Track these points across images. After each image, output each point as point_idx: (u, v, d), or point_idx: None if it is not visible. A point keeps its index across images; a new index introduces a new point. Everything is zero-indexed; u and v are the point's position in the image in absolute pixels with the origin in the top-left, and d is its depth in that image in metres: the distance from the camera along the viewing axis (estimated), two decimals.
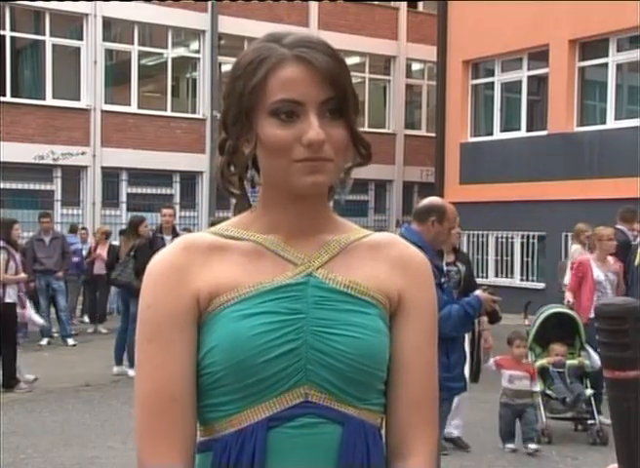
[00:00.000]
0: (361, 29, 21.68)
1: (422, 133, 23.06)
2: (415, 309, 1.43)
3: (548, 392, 6.88)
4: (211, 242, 1.41)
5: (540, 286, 16.27)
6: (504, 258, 17.40)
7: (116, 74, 19.84)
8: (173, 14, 19.45)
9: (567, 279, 8.95)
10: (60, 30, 18.95)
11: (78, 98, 18.93)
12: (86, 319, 14.64)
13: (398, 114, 22.99)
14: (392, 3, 22.77)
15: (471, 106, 18.63)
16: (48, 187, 18.69)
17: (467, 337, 5.77)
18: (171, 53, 20.31)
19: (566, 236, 15.66)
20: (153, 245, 8.88)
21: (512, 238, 17.30)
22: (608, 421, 7.18)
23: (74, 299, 14.35)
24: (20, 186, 18.02)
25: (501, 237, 17.37)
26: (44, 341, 11.93)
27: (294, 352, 1.33)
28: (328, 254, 1.41)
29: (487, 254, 17.62)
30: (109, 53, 19.83)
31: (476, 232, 17.25)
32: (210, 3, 19.86)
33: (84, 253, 14.33)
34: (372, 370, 1.36)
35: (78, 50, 19.10)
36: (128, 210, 18.80)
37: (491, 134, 18.15)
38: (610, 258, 7.96)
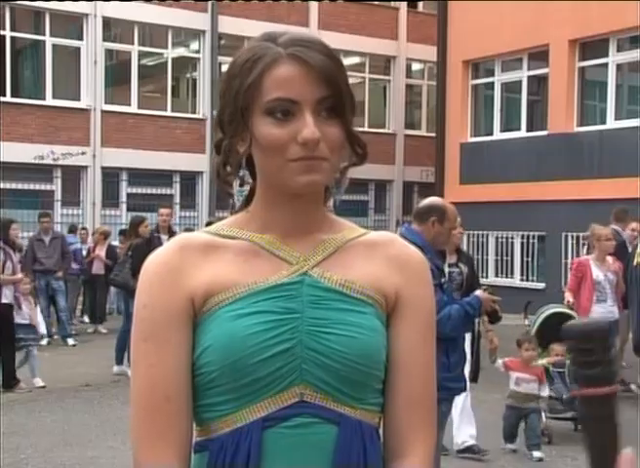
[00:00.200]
0: (361, 29, 21.68)
1: (422, 133, 23.06)
2: (412, 308, 1.42)
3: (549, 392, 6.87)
4: (206, 241, 1.41)
5: (540, 286, 16.28)
6: (504, 258, 17.40)
7: (116, 74, 19.84)
8: (173, 14, 19.45)
9: None
10: (60, 30, 18.96)
11: (78, 98, 18.93)
12: (86, 319, 14.64)
13: (398, 114, 22.99)
14: (392, 3, 22.77)
15: (471, 106, 18.63)
16: (48, 187, 18.69)
17: (468, 337, 5.77)
18: (171, 53, 20.32)
19: (566, 236, 15.67)
20: (151, 244, 8.89)
21: (512, 238, 17.30)
22: None
23: (74, 299, 14.35)
24: (20, 186, 18.02)
25: (501, 237, 17.37)
26: (44, 341, 11.91)
27: (289, 352, 1.32)
28: (323, 253, 1.41)
29: (487, 254, 17.62)
30: (109, 53, 19.83)
31: (476, 232, 17.25)
32: (210, 3, 19.87)
33: (83, 253, 14.34)
34: (368, 370, 1.35)
35: (78, 50, 19.10)
36: (128, 210, 18.81)
37: (491, 134, 18.15)
38: (609, 258, 7.96)
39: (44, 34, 18.77)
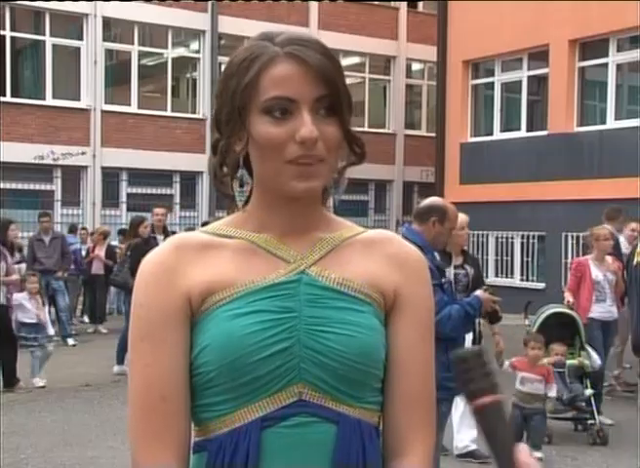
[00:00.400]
0: (361, 29, 21.69)
1: (422, 133, 23.06)
2: (411, 306, 1.42)
3: None
4: (202, 240, 1.40)
5: (540, 286, 16.28)
6: (504, 258, 17.40)
7: (116, 74, 19.84)
8: (173, 14, 19.45)
9: None
10: (60, 30, 18.96)
11: (78, 98, 18.94)
12: (86, 319, 14.64)
13: (398, 114, 22.99)
14: (392, 3, 22.77)
15: (471, 106, 18.63)
16: (48, 187, 18.69)
17: (468, 338, 5.77)
18: (171, 53, 20.32)
19: (566, 236, 15.67)
20: (148, 245, 8.91)
21: (512, 238, 17.30)
22: (608, 421, 7.21)
23: (74, 299, 14.36)
24: (20, 186, 18.02)
25: (501, 237, 17.37)
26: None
27: (287, 351, 1.32)
28: (321, 252, 1.40)
29: (487, 254, 17.61)
30: (109, 53, 19.83)
31: (476, 232, 17.24)
32: (210, 3, 19.87)
33: (83, 253, 14.34)
34: (366, 369, 1.35)
35: (78, 50, 19.10)
36: (128, 210, 18.81)
37: (491, 134, 18.14)
38: (608, 258, 7.96)
39: (44, 34, 18.77)
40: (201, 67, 20.37)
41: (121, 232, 15.33)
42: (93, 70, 18.90)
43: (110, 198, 19.22)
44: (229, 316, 1.33)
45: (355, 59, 22.01)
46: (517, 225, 16.73)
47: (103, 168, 18.93)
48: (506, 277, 17.18)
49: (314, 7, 21.29)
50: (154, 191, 19.50)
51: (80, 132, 18.69)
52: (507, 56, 17.61)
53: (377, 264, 1.42)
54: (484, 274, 17.13)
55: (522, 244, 17.17)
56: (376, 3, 22.56)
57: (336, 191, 1.46)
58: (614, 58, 15.73)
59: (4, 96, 17.93)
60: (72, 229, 15.67)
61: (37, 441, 6.84)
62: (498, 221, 16.75)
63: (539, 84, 17.72)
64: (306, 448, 1.32)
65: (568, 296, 7.82)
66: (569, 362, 7.02)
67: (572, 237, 15.41)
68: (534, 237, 16.89)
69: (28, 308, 9.03)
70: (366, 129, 20.90)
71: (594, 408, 6.90)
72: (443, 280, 4.68)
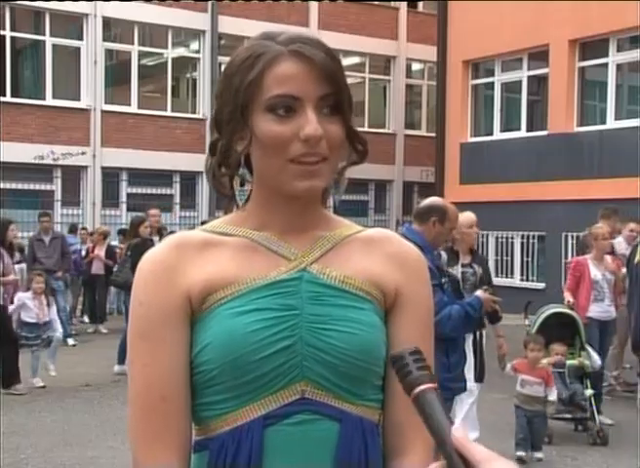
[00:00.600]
0: (361, 29, 21.69)
1: (422, 133, 23.06)
2: (412, 305, 1.43)
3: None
4: (203, 239, 1.40)
5: (540, 286, 16.27)
6: (504, 258, 17.39)
7: (116, 74, 19.84)
8: (173, 14, 19.46)
9: None
10: (60, 30, 18.96)
11: (78, 98, 18.94)
12: (86, 319, 14.64)
13: (398, 114, 22.99)
14: (392, 3, 22.77)
15: (471, 106, 18.63)
16: (48, 187, 18.69)
17: (469, 338, 5.77)
18: (171, 53, 20.32)
19: (566, 236, 15.67)
20: (145, 245, 8.93)
21: (512, 238, 17.30)
22: (608, 421, 7.20)
23: (74, 299, 14.35)
24: (20, 186, 18.02)
25: (501, 237, 17.37)
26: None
27: (289, 349, 1.32)
28: (321, 250, 1.40)
29: (487, 255, 17.60)
30: (109, 53, 19.83)
31: None
32: (210, 3, 19.87)
33: (83, 253, 14.34)
34: (368, 366, 1.35)
35: (78, 50, 19.10)
36: (128, 210, 18.82)
37: (491, 134, 18.14)
38: (608, 257, 7.96)
39: (44, 34, 18.77)
40: (201, 67, 20.37)
41: (121, 232, 15.33)
42: (93, 70, 18.90)
43: (110, 198, 19.22)
44: (231, 314, 1.33)
45: (355, 59, 22.01)
46: (517, 225, 16.73)
47: (103, 168, 18.93)
48: (506, 277, 17.18)
49: (314, 7, 21.29)
50: (154, 191, 19.50)
51: (80, 132, 18.69)
52: (507, 56, 17.61)
53: (377, 263, 1.42)
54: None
55: (522, 244, 17.17)
56: (376, 3, 22.56)
57: (336, 191, 1.46)
58: (614, 58, 15.72)
59: (4, 96, 17.93)
60: (72, 229, 15.67)
61: (37, 441, 6.84)
62: (498, 221, 16.75)
63: (539, 84, 17.71)
64: (309, 446, 1.32)
65: (567, 296, 7.82)
66: (569, 362, 7.00)
67: (572, 237, 15.40)
68: (534, 237, 16.89)
69: (31, 308, 9.02)
70: (366, 129, 20.89)
71: (594, 408, 6.89)
72: (443, 280, 4.68)
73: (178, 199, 20.03)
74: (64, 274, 12.63)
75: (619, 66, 15.85)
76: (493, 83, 18.25)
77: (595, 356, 7.13)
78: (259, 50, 1.34)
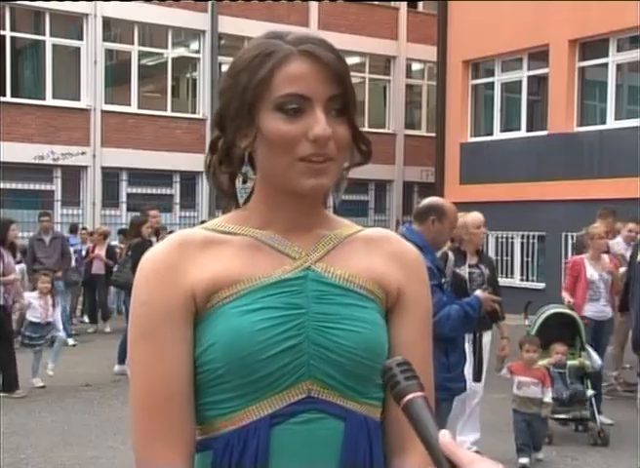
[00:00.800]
0: (361, 29, 21.69)
1: (422, 133, 23.06)
2: (413, 305, 1.43)
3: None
4: (205, 237, 1.39)
5: (540, 286, 16.28)
6: (504, 258, 17.39)
7: (116, 74, 19.84)
8: (173, 14, 19.46)
9: None
10: (60, 30, 18.96)
11: (78, 98, 18.94)
12: (86, 319, 14.64)
13: (398, 114, 23.00)
14: (392, 3, 22.78)
15: (471, 106, 18.63)
16: (48, 187, 18.70)
17: (469, 338, 5.76)
18: (171, 53, 20.32)
19: (566, 236, 15.66)
20: (145, 245, 8.94)
21: (512, 238, 17.30)
22: (608, 421, 7.19)
23: (74, 299, 14.35)
24: (20, 186, 18.03)
25: (501, 237, 17.37)
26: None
27: (296, 348, 1.32)
28: (325, 248, 1.41)
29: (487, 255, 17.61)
30: (109, 53, 19.83)
31: None
32: (210, 3, 19.87)
33: (83, 253, 14.34)
34: (372, 364, 1.35)
35: (78, 50, 19.11)
36: (128, 210, 18.82)
37: (491, 134, 18.14)
38: (605, 257, 7.94)
39: (44, 34, 18.77)
40: (201, 67, 20.37)
41: (121, 232, 15.33)
42: (93, 70, 18.90)
43: (110, 198, 19.22)
44: (238, 312, 1.32)
45: (355, 59, 22.01)
46: (517, 225, 16.73)
47: (103, 168, 18.93)
48: (506, 277, 17.16)
49: (314, 7, 21.30)
50: (154, 191, 19.51)
51: (80, 132, 18.69)
52: (507, 56, 17.61)
53: (379, 262, 1.43)
54: None
55: (522, 244, 17.18)
56: (376, 3, 22.56)
57: (336, 192, 1.46)
58: (614, 58, 15.72)
59: (4, 96, 17.93)
60: (73, 229, 15.67)
61: (37, 441, 6.84)
62: (498, 221, 16.72)
63: (539, 84, 17.71)
64: (315, 445, 1.32)
65: (566, 296, 7.81)
66: (569, 362, 6.99)
67: (572, 237, 15.38)
68: (534, 237, 16.89)
69: (36, 307, 8.99)
70: (366, 129, 20.84)
71: (595, 408, 6.88)
72: (443, 280, 4.69)
73: (178, 199, 20.03)
74: (64, 274, 12.63)
75: (619, 66, 15.85)
76: (493, 83, 18.25)
77: (595, 356, 7.13)
78: (268, 48, 1.34)
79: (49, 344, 9.14)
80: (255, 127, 1.34)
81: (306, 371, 1.33)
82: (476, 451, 6.20)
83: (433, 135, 19.86)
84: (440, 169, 18.73)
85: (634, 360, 8.64)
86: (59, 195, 18.79)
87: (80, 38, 19.09)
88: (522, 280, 17.12)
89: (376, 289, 1.40)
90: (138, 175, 19.40)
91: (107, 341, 11.43)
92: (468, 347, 5.67)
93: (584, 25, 15.46)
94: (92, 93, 18.85)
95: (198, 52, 20.53)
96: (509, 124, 18.04)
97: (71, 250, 13.46)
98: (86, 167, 18.85)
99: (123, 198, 19.45)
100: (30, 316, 8.99)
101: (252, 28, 18.34)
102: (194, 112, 20.32)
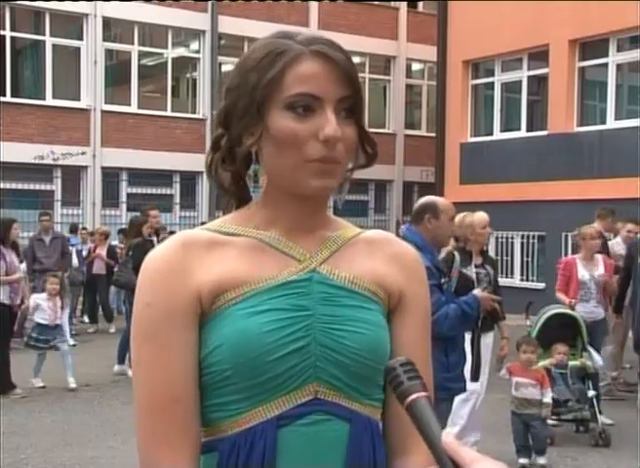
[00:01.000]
0: (361, 29, 21.68)
1: (422, 133, 23.07)
2: (413, 306, 1.44)
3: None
4: (209, 238, 1.38)
5: (540, 286, 16.27)
6: (504, 258, 17.39)
7: (116, 74, 19.84)
8: (173, 14, 19.46)
9: None
10: (60, 30, 18.96)
11: (78, 98, 18.94)
12: (86, 319, 14.64)
13: (398, 114, 23.00)
14: (392, 3, 22.78)
15: (471, 106, 18.63)
16: (48, 187, 18.70)
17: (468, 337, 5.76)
18: (171, 53, 20.32)
19: (566, 236, 15.66)
20: (146, 245, 8.94)
21: (512, 238, 17.30)
22: (608, 421, 7.19)
23: (75, 299, 14.35)
24: (20, 186, 18.03)
25: (501, 237, 17.36)
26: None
27: (303, 349, 1.32)
28: (329, 250, 1.41)
29: None
30: (109, 53, 19.83)
31: None
32: (210, 3, 19.87)
33: (84, 253, 14.34)
34: (376, 365, 1.35)
35: (78, 50, 19.11)
36: (128, 210, 18.81)
37: (491, 134, 18.14)
38: (599, 257, 7.88)
39: (44, 34, 18.77)
40: (201, 67, 20.37)
41: (121, 232, 15.32)
42: (93, 70, 18.90)
43: (110, 198, 19.22)
44: (245, 314, 1.32)
45: (355, 59, 21.54)
46: (517, 225, 16.72)
47: (103, 168, 18.93)
48: (506, 277, 17.17)
49: (314, 7, 21.29)
50: (154, 191, 19.51)
51: (80, 132, 18.69)
52: (507, 56, 17.61)
53: (381, 264, 1.43)
54: None
55: (522, 244, 17.18)
56: (376, 3, 22.56)
57: (339, 193, 1.46)
58: (614, 58, 15.72)
59: (4, 96, 17.93)
60: (73, 229, 15.67)
61: (37, 441, 6.84)
62: (498, 221, 16.62)
63: (539, 84, 17.72)
64: (321, 446, 1.32)
65: (561, 297, 7.75)
66: (571, 363, 6.96)
67: (572, 237, 15.40)
68: (534, 237, 16.89)
69: (45, 309, 8.91)
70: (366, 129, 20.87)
71: (597, 409, 6.87)
72: (442, 280, 4.69)
73: (178, 199, 20.03)
74: (64, 274, 12.63)
75: (619, 66, 15.85)
76: (493, 83, 18.25)
77: (597, 356, 7.11)
78: (279, 48, 1.34)
79: (55, 349, 9.04)
80: (263, 126, 1.34)
81: (313, 373, 1.33)
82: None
83: (433, 135, 19.86)
84: (440, 169, 18.73)
85: (634, 360, 8.63)
86: (59, 195, 18.79)
87: (80, 38, 19.09)
88: (522, 280, 17.12)
89: (379, 290, 1.41)
90: (138, 175, 19.40)
91: (107, 341, 11.44)
92: (467, 347, 5.66)
93: (584, 25, 15.47)
94: (92, 93, 18.85)
95: (198, 52, 20.53)
96: (509, 124, 18.04)
97: (72, 250, 13.47)
98: (86, 167, 18.85)
99: (123, 198, 19.45)
100: (38, 317, 8.90)
101: (252, 28, 18.38)
102: (194, 112, 20.32)
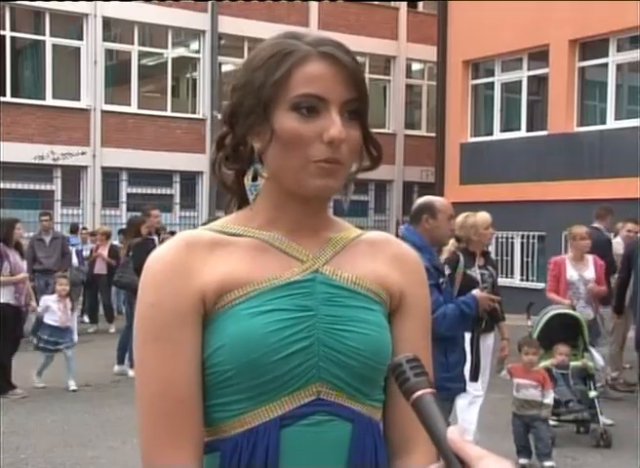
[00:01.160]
0: (361, 29, 21.68)
1: (422, 133, 23.07)
2: (414, 307, 1.45)
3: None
4: (212, 238, 1.38)
5: (540, 286, 16.21)
6: (504, 258, 17.39)
7: (116, 74, 19.85)
8: (173, 14, 19.46)
9: None
10: (60, 30, 18.96)
11: (78, 98, 18.94)
12: (86, 319, 14.63)
13: (398, 114, 23.00)
14: (392, 3, 22.78)
15: (471, 106, 18.63)
16: (48, 187, 18.70)
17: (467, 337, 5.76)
18: (171, 53, 20.32)
19: (566, 236, 15.65)
20: (147, 245, 8.93)
21: (512, 238, 17.30)
22: (608, 421, 7.18)
23: (75, 299, 14.34)
24: (20, 186, 18.03)
25: (501, 237, 17.36)
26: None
27: (307, 350, 1.32)
28: (331, 251, 1.41)
29: None
30: (109, 53, 19.83)
31: None
32: (210, 3, 19.87)
33: (84, 253, 14.34)
34: (378, 366, 1.36)
35: (78, 50, 19.11)
36: (128, 210, 18.82)
37: (491, 134, 18.14)
38: (589, 258, 7.80)
39: (44, 34, 18.77)
40: (201, 67, 20.37)
41: (122, 232, 15.32)
42: (93, 70, 18.90)
43: (110, 198, 19.23)
44: (248, 314, 1.32)
45: None
46: (517, 225, 16.72)
47: (103, 168, 18.94)
48: (506, 277, 17.17)
49: (314, 7, 21.29)
50: (154, 191, 19.51)
51: (80, 132, 18.69)
52: (507, 56, 17.61)
53: (382, 265, 1.44)
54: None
55: (522, 244, 17.18)
56: (376, 3, 22.56)
57: (344, 194, 1.46)
58: (614, 58, 15.72)
59: (4, 96, 17.93)
60: (73, 230, 15.67)
61: (37, 441, 6.84)
62: (498, 221, 16.52)
63: (539, 84, 17.72)
64: (323, 447, 1.33)
65: (554, 297, 7.69)
66: (572, 363, 6.94)
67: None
68: (534, 237, 16.89)
69: (55, 311, 8.82)
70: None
71: (598, 410, 6.86)
72: (441, 280, 4.69)
73: (178, 199, 20.03)
74: (64, 274, 12.63)
75: (619, 66, 15.85)
76: (493, 83, 18.25)
77: (598, 357, 7.10)
78: (287, 48, 1.34)
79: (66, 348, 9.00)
80: (268, 125, 1.33)
81: (316, 373, 1.33)
82: None
83: (433, 135, 19.86)
84: (440, 169, 18.73)
85: (634, 360, 8.63)
86: (59, 195, 18.80)
87: (80, 38, 19.09)
88: (522, 280, 17.12)
89: (381, 291, 1.41)
90: (138, 175, 19.40)
91: (107, 341, 11.43)
92: (467, 347, 5.66)
93: (584, 25, 15.46)
94: (92, 93, 18.85)
95: (198, 52, 20.53)
96: (509, 124, 18.05)
97: (72, 250, 13.47)
98: (86, 167, 18.85)
99: (123, 198, 19.45)
100: (49, 319, 8.82)
101: (252, 28, 18.40)
102: (194, 112, 20.32)
